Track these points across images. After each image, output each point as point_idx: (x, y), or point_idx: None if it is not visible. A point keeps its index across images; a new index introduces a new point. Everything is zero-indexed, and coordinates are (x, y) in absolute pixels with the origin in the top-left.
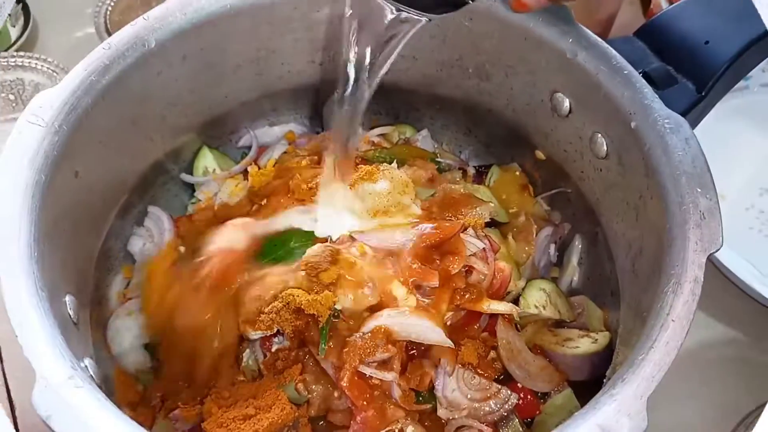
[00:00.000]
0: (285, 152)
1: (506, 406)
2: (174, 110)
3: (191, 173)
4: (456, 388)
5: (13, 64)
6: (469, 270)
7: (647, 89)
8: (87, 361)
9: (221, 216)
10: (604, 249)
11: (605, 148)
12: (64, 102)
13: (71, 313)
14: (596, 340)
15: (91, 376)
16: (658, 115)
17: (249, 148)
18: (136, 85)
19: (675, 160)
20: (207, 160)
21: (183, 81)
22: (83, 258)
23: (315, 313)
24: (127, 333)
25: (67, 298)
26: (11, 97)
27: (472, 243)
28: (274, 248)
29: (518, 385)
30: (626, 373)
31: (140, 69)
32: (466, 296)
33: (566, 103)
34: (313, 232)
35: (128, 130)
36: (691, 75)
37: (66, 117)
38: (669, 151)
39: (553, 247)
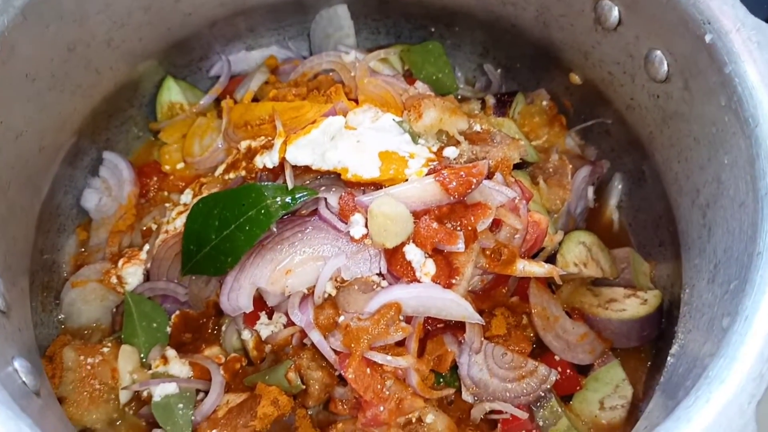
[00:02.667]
0: (266, 82)
1: (545, 386)
2: (124, 32)
3: (153, 109)
4: (484, 367)
5: None
6: (497, 224)
7: None
8: (17, 363)
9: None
10: (654, 191)
11: (666, 68)
12: None
13: None
14: (645, 300)
15: (23, 382)
16: (743, 26)
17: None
18: (70, 0)
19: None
20: (172, 93)
21: None
22: (15, 223)
23: None
24: (86, 307)
25: None
26: None
27: (500, 191)
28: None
29: (555, 357)
30: (721, 371)
31: None
32: (496, 258)
33: (615, 12)
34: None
35: (65, 59)
36: None
37: None
38: (760, 72)
39: (590, 190)
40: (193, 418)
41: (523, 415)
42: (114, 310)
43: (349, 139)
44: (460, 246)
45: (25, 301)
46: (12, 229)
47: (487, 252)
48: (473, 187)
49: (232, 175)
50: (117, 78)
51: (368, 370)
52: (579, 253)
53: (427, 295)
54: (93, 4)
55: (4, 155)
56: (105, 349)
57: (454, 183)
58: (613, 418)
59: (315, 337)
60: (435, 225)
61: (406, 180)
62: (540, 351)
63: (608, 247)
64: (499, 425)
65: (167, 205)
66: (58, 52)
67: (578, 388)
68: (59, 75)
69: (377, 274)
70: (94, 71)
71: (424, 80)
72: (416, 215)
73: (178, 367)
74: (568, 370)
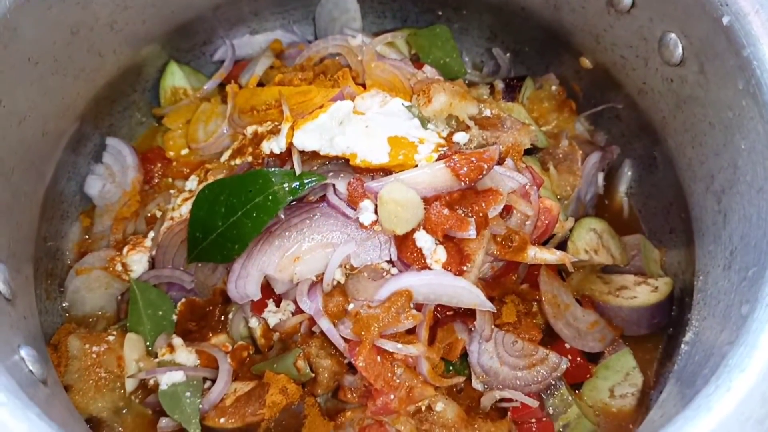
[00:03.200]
0: (271, 66)
1: (555, 374)
2: (127, 15)
3: (158, 95)
4: (494, 355)
5: None
6: (508, 210)
7: None
8: (24, 352)
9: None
10: (665, 177)
11: (680, 51)
12: None
13: (2, 288)
14: (656, 288)
15: (30, 371)
16: (761, 7)
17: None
18: None
19: None
20: (176, 77)
21: None
22: (20, 209)
23: None
24: (90, 295)
25: None
26: None
27: (512, 177)
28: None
29: (565, 345)
30: (741, 359)
31: None
32: (507, 244)
33: None
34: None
35: (68, 42)
36: None
37: None
38: None
39: (600, 176)
40: (200, 406)
41: (534, 403)
42: (119, 297)
43: (358, 124)
44: (472, 233)
45: (30, 288)
46: (16, 215)
47: (498, 239)
48: (484, 172)
49: (238, 161)
50: (120, 62)
51: (378, 358)
52: (590, 239)
53: (438, 282)
54: None
55: (8, 140)
56: (110, 338)
57: (465, 168)
58: (624, 406)
59: (324, 324)
60: (446, 211)
61: (416, 166)
62: (550, 339)
63: (618, 233)
64: (509, 413)
65: (172, 191)
66: (60, 35)
67: (588, 376)
68: (62, 59)
69: (387, 261)
70: (97, 55)
71: (432, 64)
72: (427, 201)
73: (185, 355)
74: (579, 358)
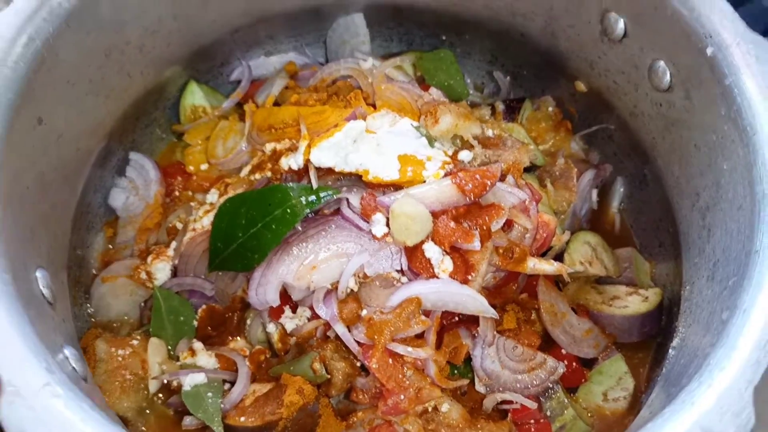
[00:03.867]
0: (286, 87)
1: (553, 377)
2: (155, 39)
3: (178, 112)
4: (496, 359)
5: None
6: (509, 224)
7: (726, 7)
8: (67, 351)
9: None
10: (654, 194)
11: (669, 78)
12: (18, 31)
13: (44, 291)
14: (647, 298)
15: (73, 368)
16: (742, 40)
17: (241, 82)
18: (108, 8)
19: (766, 95)
20: (195, 96)
21: (164, 3)
22: (56, 219)
23: None
24: (115, 301)
25: (38, 274)
26: None
27: (513, 193)
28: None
29: (562, 351)
30: (721, 359)
31: None
32: (508, 256)
33: (620, 25)
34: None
35: (101, 65)
36: None
37: (23, 51)
38: (759, 84)
39: (594, 192)
40: (222, 406)
41: (532, 405)
42: (142, 304)
43: (370, 143)
44: (476, 244)
45: (66, 294)
46: (53, 225)
47: (500, 250)
48: (488, 189)
49: (258, 176)
50: (146, 82)
51: (390, 360)
52: (585, 252)
53: (445, 290)
54: (128, 12)
55: (48, 156)
56: (134, 342)
57: (470, 185)
58: (616, 408)
59: (339, 329)
60: (452, 224)
61: (424, 182)
62: (548, 345)
63: (611, 247)
64: (509, 414)
65: (192, 204)
66: (95, 58)
67: (583, 380)
68: (96, 80)
69: (398, 270)
70: (127, 76)
71: (437, 87)
72: (435, 215)
73: (205, 358)
74: (574, 363)
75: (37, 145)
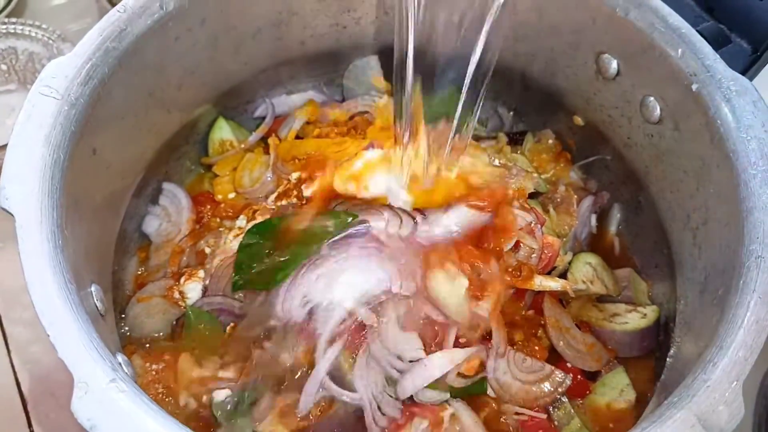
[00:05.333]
0: (307, 122)
1: (560, 389)
2: (192, 79)
3: (206, 146)
4: (507, 371)
5: (3, 31)
6: (516, 246)
7: (708, 49)
8: (120, 358)
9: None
10: (649, 219)
11: (658, 112)
12: (78, 71)
13: (98, 304)
14: (645, 315)
15: (126, 372)
16: (723, 77)
17: (264, 118)
18: (154, 52)
19: (744, 124)
20: (223, 131)
21: (202, 47)
22: (104, 242)
23: None
24: (149, 320)
25: (93, 288)
26: (3, 67)
27: (520, 216)
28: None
29: (567, 364)
30: (713, 356)
31: (158, 34)
32: (516, 274)
33: (614, 65)
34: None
35: (145, 102)
36: (746, 34)
37: (82, 88)
38: (737, 115)
39: (593, 217)
40: (252, 414)
41: (541, 415)
42: (174, 322)
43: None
44: (495, 269)
45: (111, 312)
46: (102, 248)
47: (509, 269)
48: (499, 200)
49: (284, 202)
50: (182, 118)
51: None
52: (586, 272)
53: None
54: (170, 55)
55: (99, 182)
56: (167, 357)
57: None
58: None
59: None
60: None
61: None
62: (553, 361)
63: (611, 267)
64: (519, 426)
65: (221, 229)
66: (141, 97)
67: (588, 392)
68: (141, 115)
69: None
70: (167, 112)
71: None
72: (457, 245)
73: (232, 373)
74: (579, 376)
75: (91, 173)
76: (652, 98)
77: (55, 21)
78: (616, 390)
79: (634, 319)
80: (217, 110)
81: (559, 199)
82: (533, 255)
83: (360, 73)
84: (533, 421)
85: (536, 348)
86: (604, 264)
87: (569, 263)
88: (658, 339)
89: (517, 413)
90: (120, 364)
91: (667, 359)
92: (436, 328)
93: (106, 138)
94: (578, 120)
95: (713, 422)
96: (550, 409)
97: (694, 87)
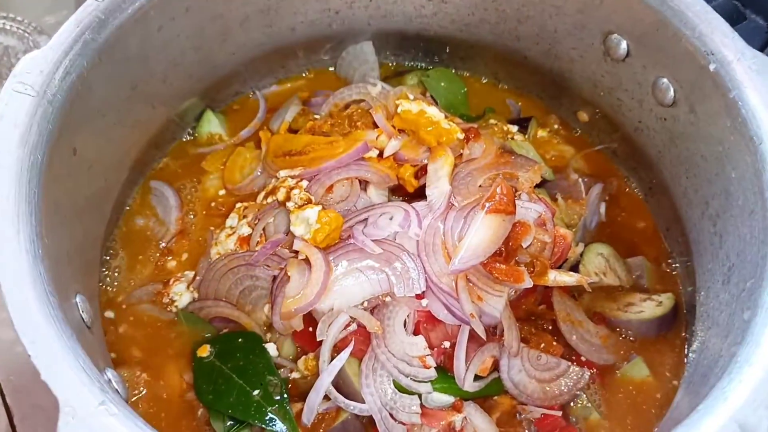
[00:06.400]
0: (299, 113)
1: (579, 385)
2: (177, 71)
3: (194, 141)
4: (522, 369)
5: None
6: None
7: (725, 26)
8: (109, 373)
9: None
10: (662, 204)
11: (672, 94)
12: (55, 65)
13: (84, 316)
14: (661, 302)
15: (116, 390)
16: (743, 56)
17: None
18: (135, 44)
19: None
20: (212, 125)
21: (186, 37)
22: (89, 247)
23: None
24: None
25: (78, 299)
26: None
27: (532, 208)
28: None
29: (582, 358)
30: (749, 355)
31: (139, 24)
32: (530, 270)
33: (623, 46)
34: None
35: (128, 97)
36: (762, 10)
37: (60, 84)
38: (762, 95)
39: (603, 206)
40: None
41: (557, 413)
42: None
43: None
44: (528, 283)
45: (98, 319)
46: (87, 252)
47: (521, 265)
48: (515, 193)
49: (270, 200)
50: (168, 113)
51: None
52: (598, 263)
53: None
54: (153, 46)
55: (80, 185)
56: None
57: (504, 199)
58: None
59: None
60: (503, 267)
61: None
62: (568, 356)
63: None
64: (533, 425)
65: (212, 228)
66: (123, 90)
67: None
68: (123, 111)
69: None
70: (151, 107)
71: (445, 104)
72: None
73: None
74: (595, 369)
75: (72, 174)
76: (665, 80)
77: (30, 13)
78: (636, 381)
79: (649, 308)
80: (205, 102)
81: (567, 188)
82: (545, 249)
83: (353, 60)
84: (548, 420)
85: (553, 343)
86: (616, 254)
87: (581, 255)
88: (674, 326)
89: (531, 411)
90: (110, 380)
91: (690, 354)
92: (446, 329)
93: (88, 136)
94: (583, 116)
95: (754, 428)
96: (566, 407)
97: (711, 67)
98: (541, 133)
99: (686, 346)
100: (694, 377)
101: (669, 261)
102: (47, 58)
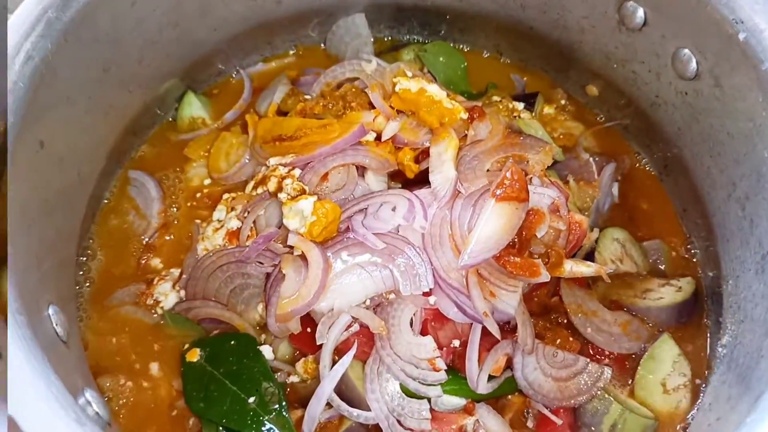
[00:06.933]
0: (287, 94)
1: (599, 384)
2: (154, 50)
3: (175, 126)
4: (537, 367)
5: None
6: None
7: None
8: (88, 395)
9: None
10: (679, 184)
11: (695, 66)
12: (16, 48)
13: (58, 329)
14: (680, 288)
15: (96, 413)
16: None
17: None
18: (106, 21)
19: None
20: (194, 108)
21: (162, 12)
22: (61, 246)
23: None
24: None
25: (51, 310)
26: None
27: (544, 193)
28: None
29: (603, 350)
30: None
31: None
32: (544, 261)
33: (639, 13)
34: None
35: (100, 80)
36: None
37: (21, 69)
38: None
39: (615, 186)
40: None
41: (558, 420)
42: None
43: None
44: (545, 277)
45: (75, 328)
46: (60, 252)
47: (535, 256)
48: (527, 180)
49: (260, 191)
50: (145, 97)
51: None
52: (614, 249)
53: None
54: (126, 23)
55: (50, 181)
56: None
57: (516, 185)
58: (680, 402)
59: None
60: (518, 260)
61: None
62: (587, 349)
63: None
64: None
65: (197, 221)
66: (94, 73)
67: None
68: (95, 96)
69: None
70: (126, 91)
71: (444, 81)
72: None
73: None
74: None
75: (40, 170)
76: (686, 51)
77: None
78: (667, 363)
79: (669, 294)
80: (185, 84)
81: (578, 169)
82: (560, 237)
83: (345, 34)
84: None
85: (570, 339)
86: (631, 238)
87: (595, 241)
88: (695, 309)
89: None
90: (89, 402)
91: (719, 348)
92: (456, 327)
93: (56, 126)
94: (593, 90)
95: None
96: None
97: (741, 36)
98: (548, 110)
99: (709, 335)
100: (728, 377)
101: (687, 246)
102: (6, 41)
